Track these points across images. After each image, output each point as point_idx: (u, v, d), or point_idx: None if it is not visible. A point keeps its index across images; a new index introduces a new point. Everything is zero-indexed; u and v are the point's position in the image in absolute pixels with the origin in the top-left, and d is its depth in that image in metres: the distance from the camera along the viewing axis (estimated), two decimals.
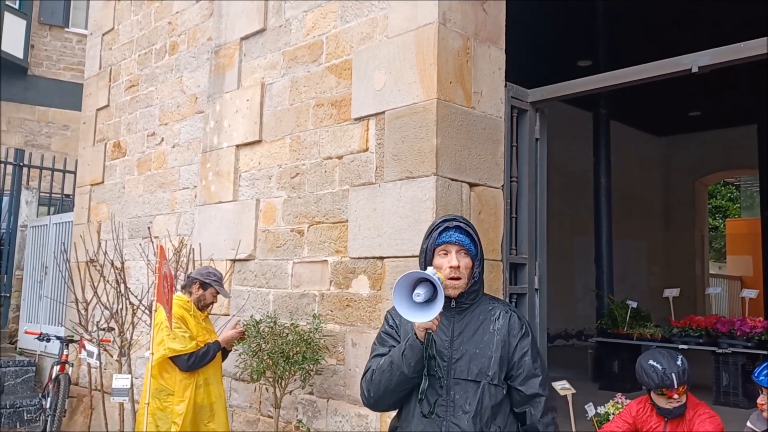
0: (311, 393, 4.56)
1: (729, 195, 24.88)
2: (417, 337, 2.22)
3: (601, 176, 9.36)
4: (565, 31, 8.65)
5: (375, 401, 2.37)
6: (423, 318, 2.12)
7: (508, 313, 2.39)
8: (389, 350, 2.36)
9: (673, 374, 3.30)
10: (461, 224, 2.38)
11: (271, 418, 4.66)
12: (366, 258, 4.27)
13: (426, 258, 2.40)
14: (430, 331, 2.20)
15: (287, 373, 4.26)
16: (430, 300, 2.14)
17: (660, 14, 8.02)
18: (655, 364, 3.37)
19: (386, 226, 4.14)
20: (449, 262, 2.32)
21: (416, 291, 2.13)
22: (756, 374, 3.27)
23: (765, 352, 6.94)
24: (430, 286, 2.14)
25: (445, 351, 2.31)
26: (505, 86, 4.41)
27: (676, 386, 3.33)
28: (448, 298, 2.28)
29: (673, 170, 14.94)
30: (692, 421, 3.38)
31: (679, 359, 3.37)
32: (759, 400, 3.25)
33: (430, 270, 2.24)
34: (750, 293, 7.56)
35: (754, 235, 14.19)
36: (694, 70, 3.83)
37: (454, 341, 2.32)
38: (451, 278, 2.31)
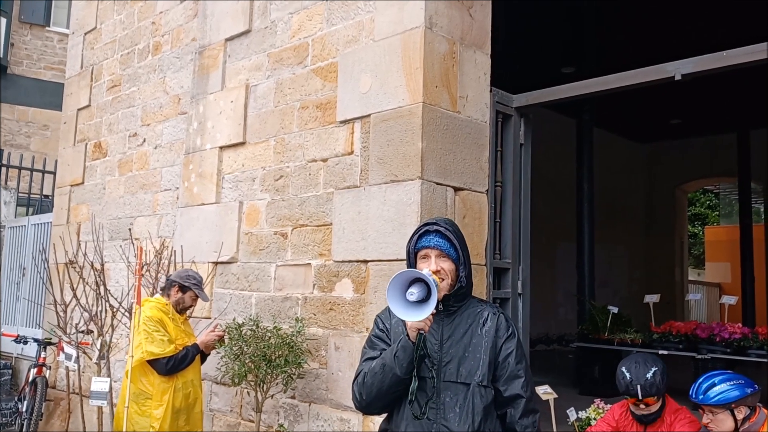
0: (293, 397, 4.52)
1: (708, 202, 25.19)
2: (409, 338, 2.23)
3: (583, 182, 9.40)
4: (550, 37, 8.71)
5: (367, 404, 2.37)
6: (415, 317, 2.13)
7: (496, 315, 2.41)
8: (380, 353, 2.36)
9: (639, 386, 3.30)
10: (441, 228, 2.39)
11: (252, 422, 4.62)
12: (350, 261, 4.25)
13: (410, 262, 2.44)
14: (422, 332, 2.21)
15: (269, 376, 4.22)
16: (423, 300, 2.14)
17: (643, 22, 8.10)
18: (625, 372, 3.37)
19: (371, 230, 4.12)
20: (430, 267, 2.33)
21: (410, 290, 2.14)
22: (695, 395, 3.16)
23: (744, 358, 7.01)
24: (424, 286, 2.16)
25: (435, 354, 2.32)
26: (491, 91, 4.42)
27: (640, 398, 3.33)
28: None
29: (655, 177, 15.08)
30: (673, 426, 3.40)
31: (651, 372, 3.32)
32: (704, 421, 3.18)
33: (425, 271, 2.25)
34: (729, 300, 7.63)
35: (733, 243, 14.37)
36: (678, 77, 3.86)
37: (444, 344, 2.34)
38: None
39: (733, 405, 3.09)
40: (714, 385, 3.13)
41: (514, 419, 2.32)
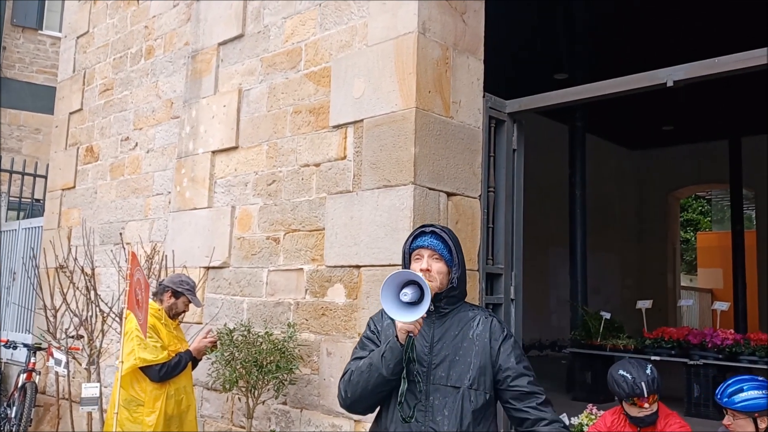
0: (284, 403, 4.50)
1: (700, 208, 25.32)
2: (398, 340, 2.24)
3: (576, 188, 9.43)
4: (543, 44, 8.74)
5: (351, 402, 2.39)
6: (407, 318, 2.15)
7: (488, 319, 2.42)
8: (369, 354, 2.37)
9: (643, 383, 3.33)
10: (437, 230, 2.43)
11: (244, 428, 4.59)
12: (342, 266, 4.24)
13: (405, 263, 2.47)
14: (412, 334, 2.22)
15: (260, 382, 4.20)
16: (416, 303, 2.16)
17: (638, 26, 8.13)
18: (624, 374, 3.38)
19: (363, 235, 4.11)
20: (420, 266, 2.37)
21: (404, 290, 2.17)
22: (720, 396, 3.15)
23: (736, 365, 7.02)
24: (417, 289, 2.18)
25: (425, 356, 2.33)
26: (483, 97, 4.43)
27: (646, 395, 3.34)
28: None
29: (647, 183, 15.14)
30: (664, 429, 3.40)
31: (649, 368, 3.39)
32: (725, 422, 3.14)
33: (419, 272, 2.28)
34: (721, 306, 7.66)
35: (725, 249, 14.43)
36: (669, 84, 3.87)
37: (434, 347, 2.35)
38: None
39: (756, 414, 3.04)
40: (741, 390, 3.08)
41: (552, 417, 2.29)
